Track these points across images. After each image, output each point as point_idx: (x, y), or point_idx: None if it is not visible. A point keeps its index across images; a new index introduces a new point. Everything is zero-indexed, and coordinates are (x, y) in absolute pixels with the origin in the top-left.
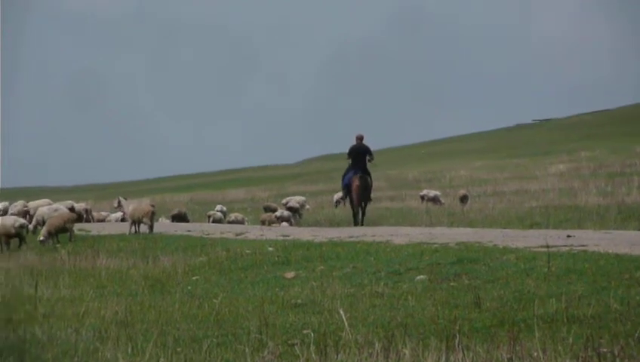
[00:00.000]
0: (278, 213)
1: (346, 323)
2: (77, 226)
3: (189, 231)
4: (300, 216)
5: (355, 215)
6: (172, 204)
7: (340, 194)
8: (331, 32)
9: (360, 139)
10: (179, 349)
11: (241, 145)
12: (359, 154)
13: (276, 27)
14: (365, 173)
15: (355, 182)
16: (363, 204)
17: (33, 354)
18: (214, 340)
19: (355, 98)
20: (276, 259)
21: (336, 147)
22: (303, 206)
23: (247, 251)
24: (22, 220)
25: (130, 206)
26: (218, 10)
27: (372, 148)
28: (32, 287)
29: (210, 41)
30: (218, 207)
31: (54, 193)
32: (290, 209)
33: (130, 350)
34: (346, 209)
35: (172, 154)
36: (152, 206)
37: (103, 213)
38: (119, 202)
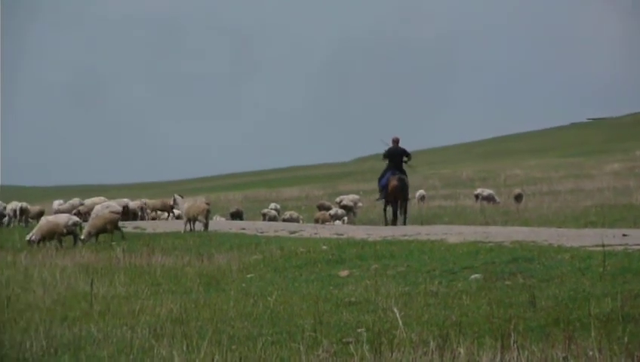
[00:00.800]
0: (332, 212)
1: (400, 322)
2: (132, 224)
3: (243, 229)
4: (354, 214)
5: (393, 213)
6: (226, 202)
7: (421, 191)
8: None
9: (396, 141)
10: (234, 347)
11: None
12: (396, 156)
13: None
14: (402, 174)
15: (393, 182)
16: (401, 204)
17: (89, 351)
18: (269, 338)
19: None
20: (330, 257)
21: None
22: (356, 204)
23: (302, 249)
24: (75, 218)
25: (186, 204)
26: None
27: (425, 148)
28: (88, 285)
29: (237, 38)
30: (272, 205)
31: (111, 190)
32: (344, 207)
33: (185, 347)
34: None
35: (225, 153)
36: (207, 204)
37: (158, 212)
38: (175, 200)
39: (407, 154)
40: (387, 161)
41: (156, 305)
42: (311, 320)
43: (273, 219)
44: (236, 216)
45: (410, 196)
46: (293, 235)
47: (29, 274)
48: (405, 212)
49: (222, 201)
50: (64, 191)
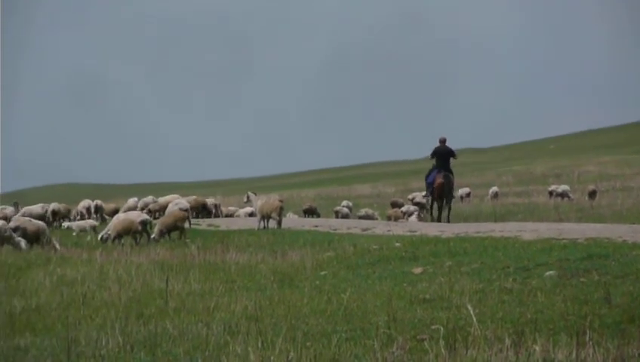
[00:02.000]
0: (404, 209)
1: (475, 319)
2: (207, 221)
3: (316, 226)
4: (428, 211)
5: (438, 208)
6: (299, 200)
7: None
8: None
9: (443, 141)
10: (308, 344)
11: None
12: (443, 155)
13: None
14: (448, 172)
15: (438, 180)
16: (446, 201)
17: (164, 347)
18: (343, 335)
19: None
20: (404, 254)
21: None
22: (429, 201)
23: (375, 246)
24: (145, 216)
25: (259, 201)
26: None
27: (499, 145)
28: (163, 282)
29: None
30: (345, 203)
31: (185, 188)
32: (416, 204)
33: (260, 344)
34: (472, 204)
35: (298, 149)
36: (281, 201)
37: (232, 208)
38: (248, 197)
39: (454, 154)
40: (435, 161)
41: (231, 301)
42: (385, 317)
43: (345, 216)
44: (310, 212)
45: (455, 194)
46: (365, 232)
47: (104, 271)
48: (449, 209)
49: (295, 198)
50: (139, 189)
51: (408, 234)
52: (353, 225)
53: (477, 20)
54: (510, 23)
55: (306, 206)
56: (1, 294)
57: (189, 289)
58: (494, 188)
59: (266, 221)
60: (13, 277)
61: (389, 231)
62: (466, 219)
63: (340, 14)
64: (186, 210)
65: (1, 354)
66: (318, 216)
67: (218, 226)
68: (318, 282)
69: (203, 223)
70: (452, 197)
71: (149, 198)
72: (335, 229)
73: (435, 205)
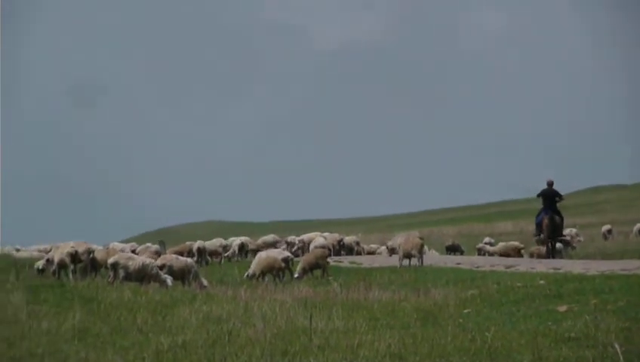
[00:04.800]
0: None
1: (622, 358)
2: (349, 259)
3: (458, 263)
4: (573, 248)
5: (547, 249)
6: (440, 236)
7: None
8: None
9: (550, 184)
10: None
11: (508, 175)
12: (548, 197)
13: None
14: (555, 213)
15: (545, 221)
16: (553, 241)
17: None
18: None
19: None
20: (548, 292)
21: (604, 177)
22: (574, 238)
23: (518, 284)
24: (287, 253)
25: (400, 238)
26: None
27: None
28: (307, 319)
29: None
30: (487, 239)
31: (324, 226)
32: (560, 241)
33: None
34: (617, 242)
35: (437, 187)
36: (421, 238)
37: (373, 246)
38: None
39: (560, 196)
40: (542, 201)
41: (374, 339)
42: (530, 356)
43: (488, 253)
44: (453, 249)
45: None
46: (509, 270)
47: (248, 308)
48: (554, 247)
49: (435, 235)
50: (278, 226)
51: (552, 271)
52: (496, 263)
53: None
54: None
55: (448, 243)
56: (149, 331)
57: (333, 327)
58: (639, 225)
59: (408, 258)
60: (160, 314)
61: (532, 268)
62: (611, 256)
63: None
64: (348, 245)
65: None
66: (462, 253)
67: (360, 264)
68: (461, 320)
69: (345, 261)
70: (560, 235)
71: (292, 237)
72: (478, 267)
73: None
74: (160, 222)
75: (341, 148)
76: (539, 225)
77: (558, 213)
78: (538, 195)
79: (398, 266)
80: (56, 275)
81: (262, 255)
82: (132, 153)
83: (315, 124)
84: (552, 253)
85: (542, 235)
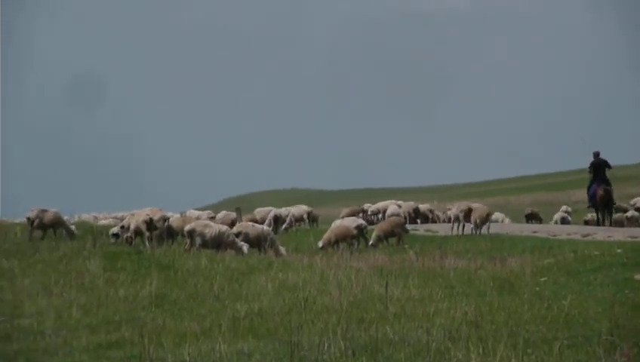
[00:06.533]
0: (628, 214)
1: None
2: (424, 227)
3: (534, 232)
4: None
5: (603, 218)
6: (517, 205)
7: None
8: None
9: (597, 155)
10: (529, 350)
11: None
12: (599, 167)
13: None
14: (607, 184)
15: (599, 192)
16: (607, 211)
17: (386, 353)
18: (565, 342)
19: None
20: (625, 260)
21: None
22: None
23: (596, 253)
24: (361, 221)
25: (458, 207)
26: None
27: None
28: (383, 287)
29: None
30: (564, 208)
31: (403, 193)
32: (638, 210)
33: (481, 350)
34: None
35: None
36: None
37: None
38: None
39: (609, 165)
40: (591, 174)
41: (450, 307)
42: (607, 324)
43: (565, 221)
44: (532, 218)
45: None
46: (586, 238)
47: (324, 276)
48: (610, 216)
49: (512, 204)
50: (355, 195)
51: (630, 240)
52: (573, 231)
53: None
54: None
55: (527, 211)
56: (225, 299)
57: (409, 295)
58: None
59: (479, 227)
60: (236, 281)
61: (609, 236)
62: None
63: None
64: (423, 213)
65: (224, 359)
66: (540, 221)
67: (436, 232)
68: (538, 288)
69: (421, 228)
70: (613, 206)
71: (367, 205)
72: (554, 235)
73: (599, 215)
74: (238, 189)
75: (415, 118)
76: (592, 196)
77: (609, 183)
78: (589, 167)
79: (451, 232)
80: (130, 243)
81: (336, 222)
82: (209, 119)
83: (388, 92)
84: (605, 222)
85: (593, 207)
